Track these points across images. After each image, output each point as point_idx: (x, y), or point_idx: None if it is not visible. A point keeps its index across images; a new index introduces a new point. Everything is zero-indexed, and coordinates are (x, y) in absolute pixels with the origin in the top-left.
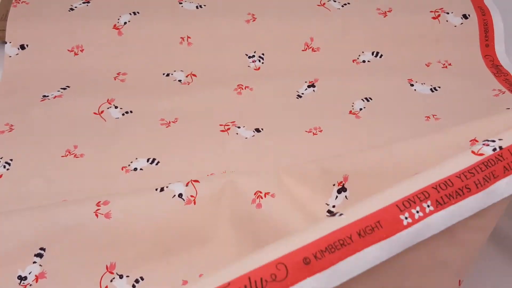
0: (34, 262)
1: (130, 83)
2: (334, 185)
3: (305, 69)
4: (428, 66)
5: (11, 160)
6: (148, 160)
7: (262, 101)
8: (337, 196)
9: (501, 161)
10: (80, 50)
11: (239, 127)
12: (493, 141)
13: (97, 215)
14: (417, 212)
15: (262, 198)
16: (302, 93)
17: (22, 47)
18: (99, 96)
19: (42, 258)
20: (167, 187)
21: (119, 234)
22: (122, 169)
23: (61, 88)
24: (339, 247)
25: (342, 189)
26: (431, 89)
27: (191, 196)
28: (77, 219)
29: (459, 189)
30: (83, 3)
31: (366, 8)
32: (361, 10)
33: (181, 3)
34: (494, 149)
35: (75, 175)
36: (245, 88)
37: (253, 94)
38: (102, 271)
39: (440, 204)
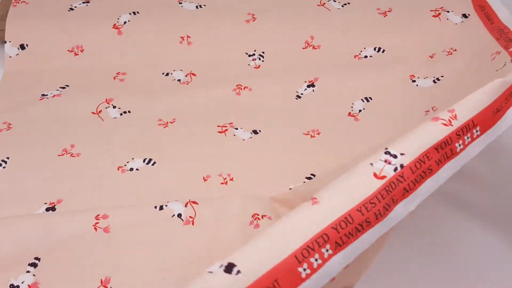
0: (28, 272)
1: (129, 83)
2: None
3: (306, 67)
4: (432, 57)
5: (8, 158)
6: (144, 161)
7: (261, 102)
8: None
9: (402, 182)
10: (80, 50)
11: (236, 129)
12: (395, 156)
13: (96, 229)
14: (316, 260)
15: (259, 219)
16: (302, 93)
17: (22, 47)
18: (98, 96)
19: (36, 268)
20: (166, 205)
21: (116, 249)
22: (118, 169)
23: (60, 87)
24: None
25: None
26: (433, 80)
27: (190, 217)
28: (75, 231)
29: (359, 224)
30: (83, 3)
31: (366, 8)
32: (361, 9)
33: (181, 3)
34: (396, 169)
35: (70, 175)
36: (244, 89)
37: (252, 94)
38: (96, 285)
39: (339, 246)
